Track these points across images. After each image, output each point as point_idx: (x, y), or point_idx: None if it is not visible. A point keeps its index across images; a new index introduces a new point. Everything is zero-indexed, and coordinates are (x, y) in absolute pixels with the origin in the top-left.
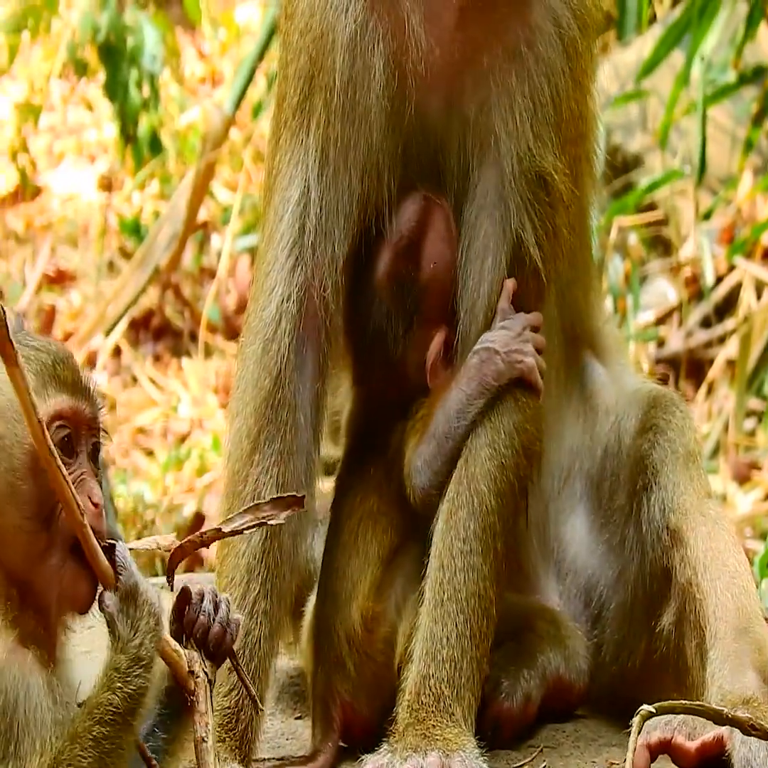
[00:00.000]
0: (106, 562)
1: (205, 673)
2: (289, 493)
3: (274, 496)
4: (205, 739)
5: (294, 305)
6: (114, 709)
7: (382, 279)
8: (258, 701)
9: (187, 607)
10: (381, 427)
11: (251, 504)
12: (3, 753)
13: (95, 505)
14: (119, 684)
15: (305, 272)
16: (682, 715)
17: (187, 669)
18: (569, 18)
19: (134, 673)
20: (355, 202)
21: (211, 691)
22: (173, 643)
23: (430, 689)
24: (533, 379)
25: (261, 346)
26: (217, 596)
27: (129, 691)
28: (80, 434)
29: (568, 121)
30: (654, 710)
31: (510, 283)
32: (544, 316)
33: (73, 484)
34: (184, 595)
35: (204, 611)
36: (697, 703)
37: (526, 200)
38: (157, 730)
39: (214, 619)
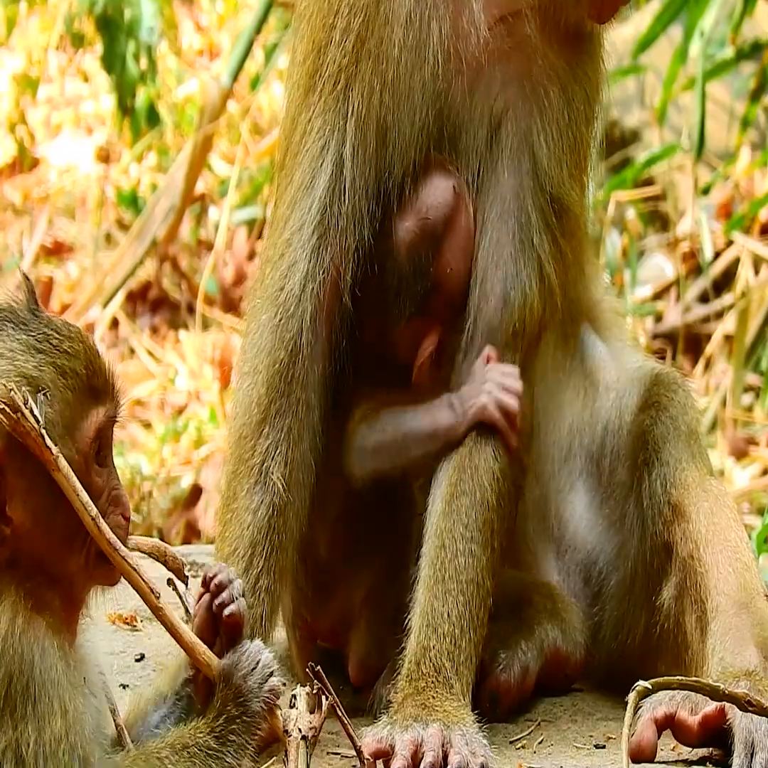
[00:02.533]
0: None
1: (300, 730)
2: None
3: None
4: None
5: (317, 286)
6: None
7: (401, 259)
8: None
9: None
10: (358, 396)
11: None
12: (22, 713)
13: (126, 519)
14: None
15: (331, 253)
16: (685, 691)
17: (283, 728)
18: (601, 61)
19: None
20: (390, 184)
21: (308, 750)
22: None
23: (431, 660)
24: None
25: (278, 318)
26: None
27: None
28: (109, 436)
29: (585, 149)
30: (650, 686)
31: (492, 353)
32: (547, 296)
33: (108, 500)
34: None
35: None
36: (694, 679)
37: (544, 217)
38: (168, 722)
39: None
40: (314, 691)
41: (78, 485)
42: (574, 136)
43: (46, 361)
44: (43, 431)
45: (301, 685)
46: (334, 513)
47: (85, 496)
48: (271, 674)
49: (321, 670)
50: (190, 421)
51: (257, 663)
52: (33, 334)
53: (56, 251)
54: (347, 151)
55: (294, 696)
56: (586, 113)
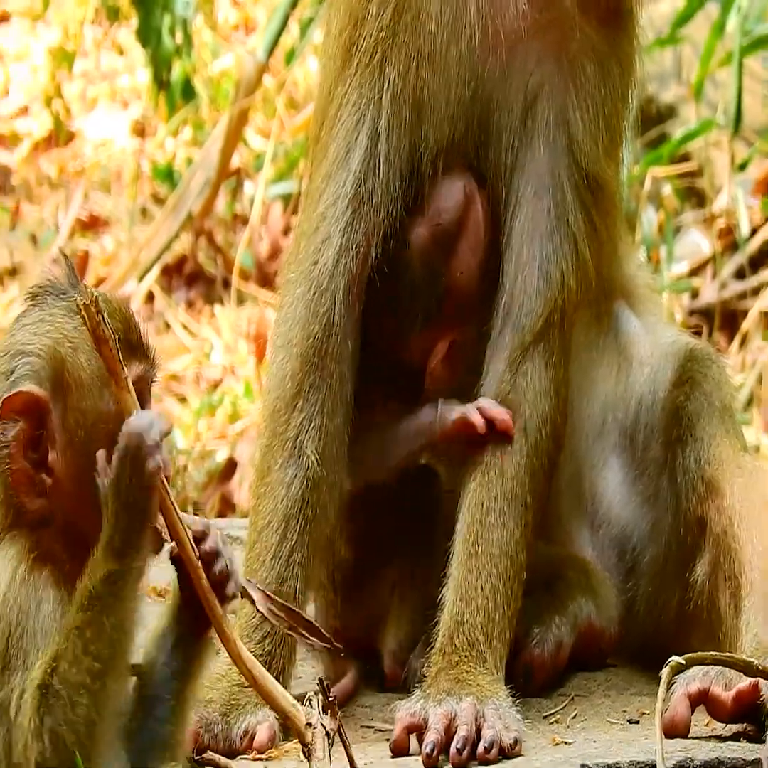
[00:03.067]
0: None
1: (323, 725)
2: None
3: (310, 624)
4: None
5: (350, 261)
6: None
7: (413, 266)
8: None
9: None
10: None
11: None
12: (14, 665)
13: (167, 477)
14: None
15: (364, 229)
16: (719, 666)
17: (305, 722)
18: (637, 38)
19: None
20: (424, 160)
21: (329, 744)
22: (291, 698)
23: (464, 635)
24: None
25: (312, 292)
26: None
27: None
28: (147, 396)
29: (620, 126)
30: (683, 662)
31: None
32: (582, 275)
33: None
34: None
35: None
36: (727, 654)
37: (580, 195)
38: (170, 659)
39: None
40: (329, 701)
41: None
42: (609, 113)
43: (91, 323)
44: (118, 344)
45: (315, 692)
46: (355, 512)
47: None
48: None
49: (328, 686)
50: (226, 396)
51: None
52: (71, 300)
53: (92, 225)
54: (382, 126)
55: (308, 697)
56: (622, 90)
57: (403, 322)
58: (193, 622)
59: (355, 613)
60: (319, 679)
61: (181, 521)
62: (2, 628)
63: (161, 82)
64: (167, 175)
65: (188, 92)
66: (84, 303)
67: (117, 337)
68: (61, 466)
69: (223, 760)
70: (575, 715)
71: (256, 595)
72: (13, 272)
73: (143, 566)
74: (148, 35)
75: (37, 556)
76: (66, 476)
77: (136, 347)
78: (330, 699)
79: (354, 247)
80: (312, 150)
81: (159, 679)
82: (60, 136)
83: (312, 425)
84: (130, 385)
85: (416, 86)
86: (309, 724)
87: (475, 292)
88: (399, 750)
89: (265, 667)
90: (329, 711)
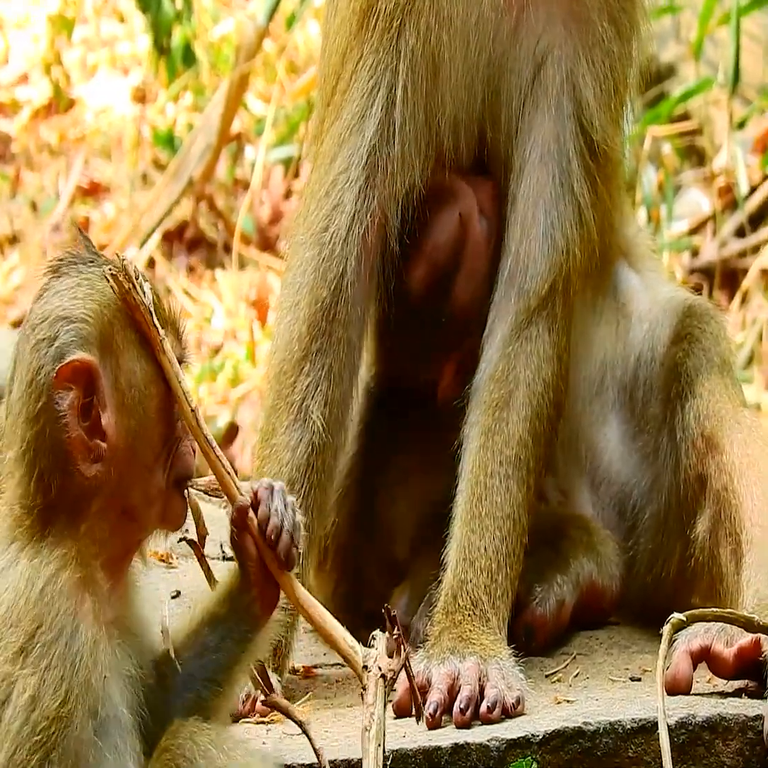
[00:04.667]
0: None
1: (380, 669)
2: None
3: None
4: (369, 728)
5: (363, 229)
6: None
7: (415, 303)
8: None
9: (259, 506)
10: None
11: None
12: (35, 663)
13: (192, 450)
14: None
15: (378, 197)
16: (720, 623)
17: (362, 664)
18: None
19: None
20: (441, 128)
21: (384, 688)
22: (350, 638)
23: (468, 594)
24: None
25: (321, 256)
26: (286, 496)
27: None
28: None
29: (625, 91)
30: (684, 619)
31: None
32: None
33: (178, 436)
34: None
35: (276, 511)
36: (728, 610)
37: (585, 163)
38: (228, 641)
39: (283, 524)
40: (394, 637)
41: (180, 371)
42: (616, 79)
43: (124, 294)
44: (152, 308)
45: (380, 629)
46: (418, 519)
47: (186, 384)
48: None
49: (397, 616)
50: (227, 360)
51: None
52: (104, 268)
53: (92, 192)
54: (398, 92)
55: (373, 637)
56: (629, 54)
57: (410, 351)
58: (252, 602)
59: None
60: (386, 609)
61: (237, 488)
62: (32, 617)
63: (161, 48)
64: (168, 141)
65: (188, 58)
66: (111, 272)
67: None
68: (114, 429)
69: (283, 702)
70: (577, 673)
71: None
72: (14, 240)
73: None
74: (147, 1)
75: (83, 572)
76: (119, 438)
77: (167, 324)
78: (396, 636)
79: (368, 215)
80: (322, 112)
81: (202, 661)
82: (60, 104)
83: (318, 390)
84: (169, 348)
85: (434, 52)
86: (365, 667)
87: (479, 310)
88: (402, 710)
89: None
90: (394, 650)
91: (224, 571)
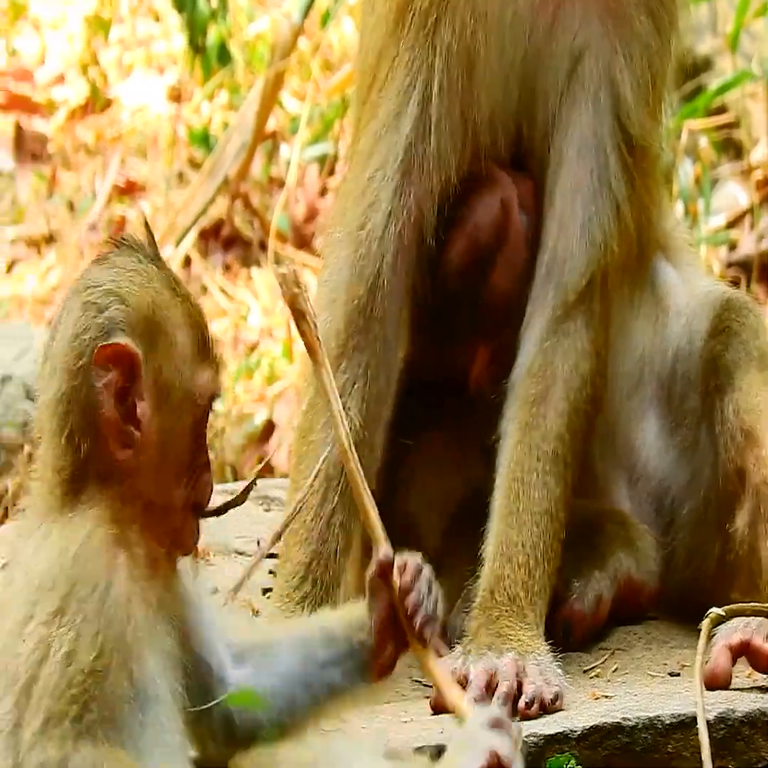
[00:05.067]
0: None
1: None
2: None
3: None
4: None
5: (400, 226)
6: None
7: (451, 281)
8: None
9: (401, 578)
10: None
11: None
12: (71, 620)
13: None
14: None
15: (414, 194)
16: (760, 617)
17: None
18: None
19: None
20: (477, 123)
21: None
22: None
23: (505, 590)
24: None
25: (357, 254)
26: (431, 580)
27: None
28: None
29: (663, 85)
30: (723, 613)
31: None
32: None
33: (203, 463)
34: (404, 564)
35: (418, 590)
36: (767, 605)
37: (623, 159)
38: (336, 669)
39: (426, 603)
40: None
41: (335, 391)
42: (653, 73)
43: (178, 299)
44: (316, 320)
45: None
46: (449, 511)
47: (340, 406)
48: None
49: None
50: (263, 358)
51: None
52: (163, 270)
53: (129, 191)
54: (434, 89)
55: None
56: (666, 48)
57: (444, 334)
58: (369, 646)
59: None
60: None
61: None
62: (68, 577)
63: (197, 47)
64: (203, 140)
65: (224, 56)
66: (283, 273)
67: None
68: (149, 422)
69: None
70: (616, 669)
71: None
72: (50, 239)
73: None
74: (183, 1)
75: (116, 531)
76: (152, 433)
77: (211, 355)
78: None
79: (404, 213)
80: (358, 109)
81: (303, 671)
82: (96, 103)
83: (355, 387)
84: (327, 361)
85: (470, 48)
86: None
87: (516, 300)
88: (439, 707)
89: None
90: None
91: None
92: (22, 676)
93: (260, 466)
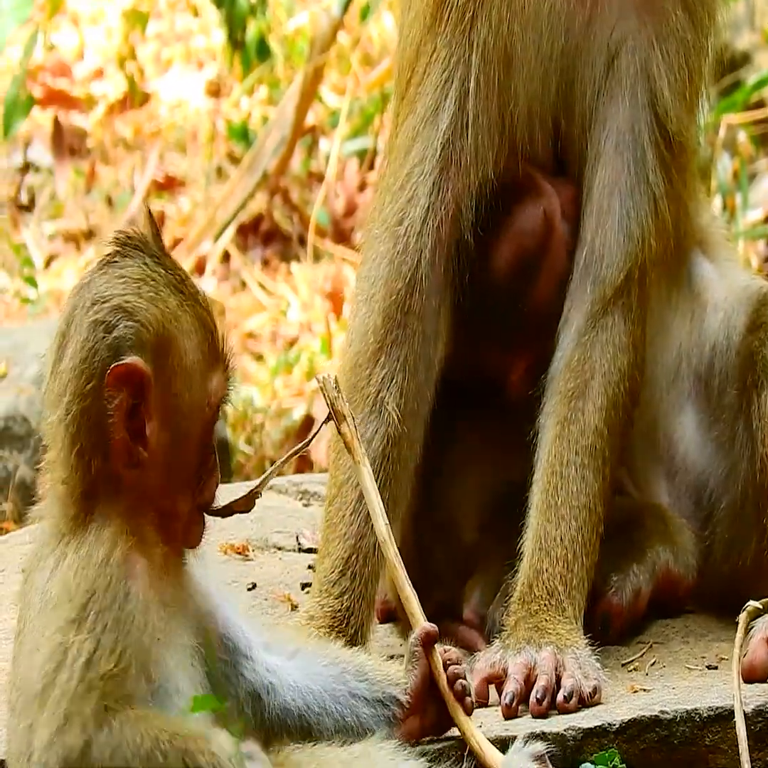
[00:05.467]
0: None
1: None
2: None
3: None
4: None
5: (438, 221)
6: None
7: (498, 285)
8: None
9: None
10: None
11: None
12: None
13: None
14: None
15: (452, 189)
16: None
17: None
18: None
19: None
20: (515, 120)
21: None
22: (486, 743)
23: (544, 583)
24: None
25: (396, 250)
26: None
27: None
28: (221, 409)
29: (700, 80)
30: (761, 606)
31: None
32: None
33: (210, 467)
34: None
35: (461, 663)
36: None
37: (660, 153)
38: (363, 710)
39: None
40: None
41: (375, 488)
42: (691, 69)
43: (186, 304)
44: (356, 422)
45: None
46: (487, 505)
47: (380, 502)
48: None
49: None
50: (302, 353)
51: None
52: (170, 272)
53: (168, 186)
54: (472, 85)
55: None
56: (703, 43)
57: (484, 340)
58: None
59: (463, 591)
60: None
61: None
62: (87, 588)
63: (236, 42)
64: (242, 135)
65: (263, 51)
66: (323, 377)
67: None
68: (156, 440)
69: None
70: (654, 662)
71: None
72: (89, 235)
73: None
74: None
75: (135, 544)
76: (160, 449)
77: (221, 357)
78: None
79: (442, 208)
80: (397, 105)
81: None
82: (135, 98)
83: (393, 382)
84: (366, 460)
85: (507, 43)
86: None
87: (556, 310)
88: (478, 701)
89: (343, 624)
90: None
91: (299, 563)
92: (37, 684)
93: (273, 468)
